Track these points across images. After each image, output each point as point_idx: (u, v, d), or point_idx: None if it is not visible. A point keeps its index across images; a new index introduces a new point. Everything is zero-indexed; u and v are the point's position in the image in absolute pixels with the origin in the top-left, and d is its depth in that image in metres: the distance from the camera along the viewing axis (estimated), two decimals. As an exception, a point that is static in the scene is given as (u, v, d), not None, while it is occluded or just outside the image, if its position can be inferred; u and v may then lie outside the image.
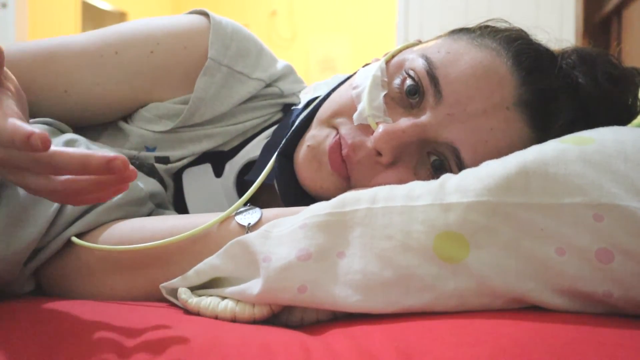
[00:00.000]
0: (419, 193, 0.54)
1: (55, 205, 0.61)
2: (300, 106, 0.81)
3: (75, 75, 0.75)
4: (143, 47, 0.76)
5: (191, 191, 0.80)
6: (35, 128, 0.45)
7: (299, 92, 0.86)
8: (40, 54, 0.75)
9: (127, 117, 0.81)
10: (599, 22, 2.41)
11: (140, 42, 0.77)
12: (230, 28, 0.78)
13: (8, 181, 0.54)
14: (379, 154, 0.63)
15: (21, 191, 0.60)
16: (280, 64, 0.85)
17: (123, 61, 0.76)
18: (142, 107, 0.79)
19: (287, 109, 0.84)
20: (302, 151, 0.69)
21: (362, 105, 0.64)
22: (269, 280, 0.52)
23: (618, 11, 2.18)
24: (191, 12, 0.81)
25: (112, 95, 0.77)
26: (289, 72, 0.85)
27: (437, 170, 0.63)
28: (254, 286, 0.53)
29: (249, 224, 0.60)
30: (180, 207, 0.81)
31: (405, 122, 0.62)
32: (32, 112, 0.74)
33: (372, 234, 0.53)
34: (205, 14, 0.79)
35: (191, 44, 0.77)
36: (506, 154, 0.57)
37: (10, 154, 0.48)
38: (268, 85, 0.82)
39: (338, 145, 0.65)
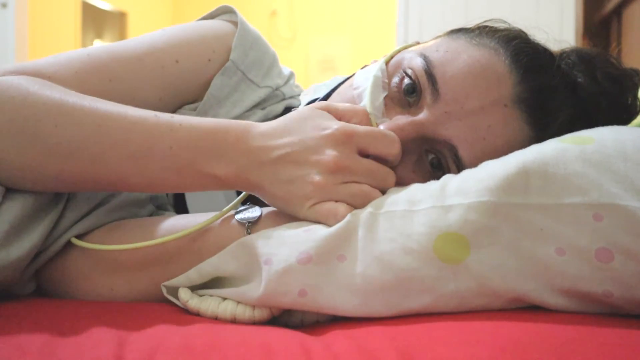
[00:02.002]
0: (421, 197, 0.54)
1: (55, 211, 0.61)
2: (300, 108, 0.81)
3: (140, 94, 0.70)
4: (202, 55, 0.75)
5: (192, 194, 0.80)
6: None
7: (298, 95, 0.87)
8: (98, 73, 0.68)
9: None
10: (599, 22, 2.41)
11: (199, 50, 0.75)
12: (251, 36, 0.78)
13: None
14: None
15: (21, 199, 0.59)
16: (286, 72, 0.85)
17: (183, 71, 0.74)
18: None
19: (287, 111, 0.84)
20: None
21: (364, 104, 0.64)
22: (270, 284, 0.52)
23: (618, 11, 2.18)
24: (219, 10, 0.80)
25: (167, 107, 0.74)
26: (290, 77, 0.86)
27: (435, 168, 0.63)
28: (254, 289, 0.53)
29: (249, 222, 0.60)
30: (181, 210, 0.81)
31: (403, 120, 0.63)
32: None
33: (372, 237, 0.53)
34: (233, 13, 0.79)
35: (228, 49, 0.76)
36: (504, 151, 0.58)
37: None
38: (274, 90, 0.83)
39: None
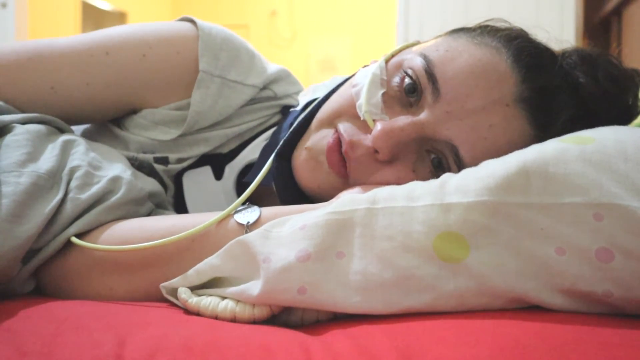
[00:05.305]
0: (420, 193, 0.54)
1: (53, 202, 0.61)
2: (298, 108, 0.81)
3: (63, 73, 0.75)
4: (135, 49, 0.76)
5: (192, 193, 0.80)
6: None
7: (295, 93, 0.86)
8: (26, 51, 0.75)
9: (121, 123, 0.81)
10: (599, 22, 2.41)
11: (132, 44, 0.76)
12: (219, 38, 0.78)
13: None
14: (377, 151, 0.63)
15: (18, 188, 0.60)
16: (274, 67, 0.85)
17: (114, 62, 0.76)
18: (134, 112, 0.79)
19: (286, 111, 0.84)
20: (300, 152, 0.69)
21: (360, 102, 0.64)
22: (269, 281, 0.52)
23: (618, 11, 2.18)
24: (180, 20, 0.81)
25: (101, 97, 0.77)
26: (284, 76, 0.85)
27: (436, 168, 0.63)
28: (253, 287, 0.53)
29: (248, 222, 0.60)
30: (181, 209, 0.81)
31: (403, 120, 0.62)
32: (20, 109, 0.74)
33: (372, 234, 0.53)
34: (194, 23, 0.79)
35: (183, 49, 0.77)
36: (506, 151, 0.57)
37: None
38: (262, 89, 0.82)
39: (336, 144, 0.65)
